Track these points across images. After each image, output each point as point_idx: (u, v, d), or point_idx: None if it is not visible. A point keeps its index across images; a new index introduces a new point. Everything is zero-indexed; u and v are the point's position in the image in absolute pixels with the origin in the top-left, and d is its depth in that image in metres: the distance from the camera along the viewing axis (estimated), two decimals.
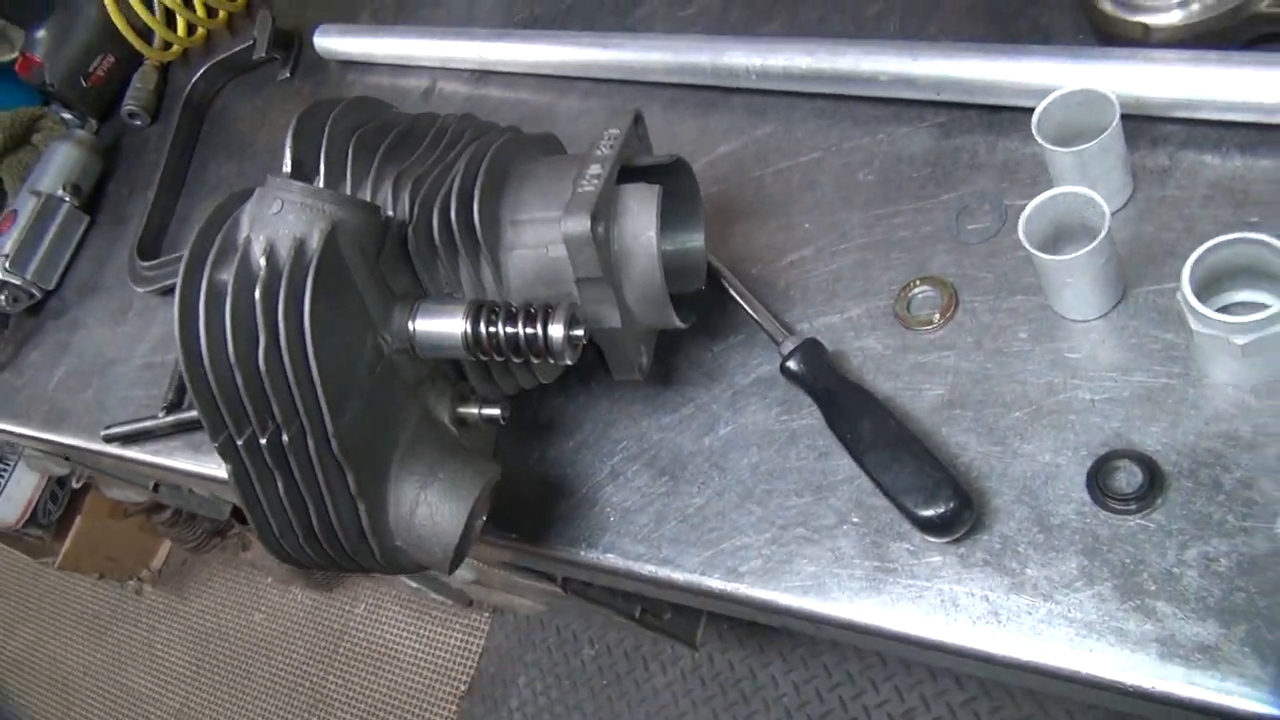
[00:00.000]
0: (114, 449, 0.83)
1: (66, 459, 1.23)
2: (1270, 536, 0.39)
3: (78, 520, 2.11)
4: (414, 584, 1.49)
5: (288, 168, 0.55)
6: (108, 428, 0.82)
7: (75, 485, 1.95)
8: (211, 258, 0.47)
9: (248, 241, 0.47)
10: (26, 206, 1.02)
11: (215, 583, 2.22)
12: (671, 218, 0.56)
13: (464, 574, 1.25)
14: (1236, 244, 0.41)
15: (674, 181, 0.54)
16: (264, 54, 0.96)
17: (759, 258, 0.59)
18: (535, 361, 0.50)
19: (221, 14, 1.07)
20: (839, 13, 0.65)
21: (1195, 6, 0.48)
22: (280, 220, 0.47)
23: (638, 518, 0.55)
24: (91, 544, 2.15)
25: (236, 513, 1.32)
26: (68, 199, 1.04)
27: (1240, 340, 0.40)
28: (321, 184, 0.54)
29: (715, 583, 0.51)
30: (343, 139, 0.55)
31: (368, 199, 0.54)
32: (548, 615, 1.65)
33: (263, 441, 0.47)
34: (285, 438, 0.47)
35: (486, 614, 1.76)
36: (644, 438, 0.57)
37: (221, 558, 2.20)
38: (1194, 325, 0.41)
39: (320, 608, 2.01)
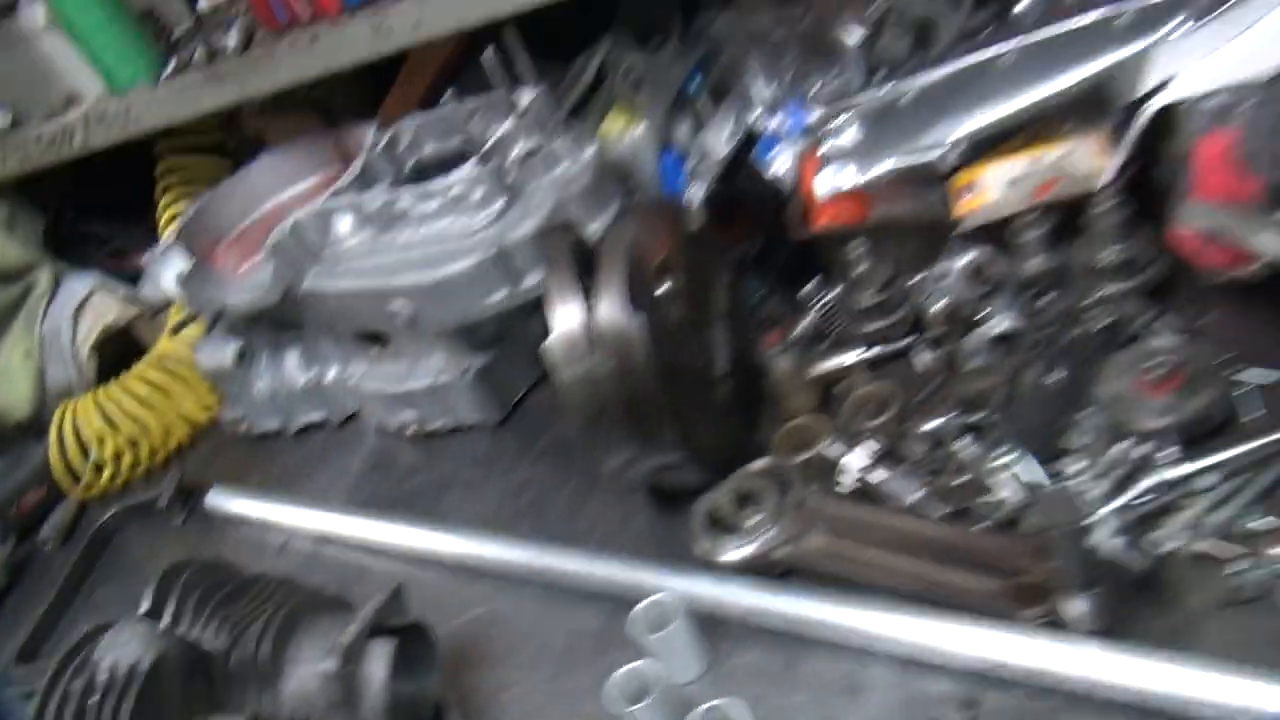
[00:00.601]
0: None
1: None
2: None
3: None
4: None
5: (145, 608, 0.78)
6: None
7: None
8: (70, 670, 0.69)
9: (99, 660, 0.70)
10: None
11: None
12: (413, 663, 0.79)
13: None
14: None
15: (419, 637, 0.79)
16: (165, 504, 1.22)
17: (482, 692, 0.82)
18: None
19: (142, 468, 1.35)
20: (563, 523, 0.94)
21: (746, 551, 0.78)
22: (125, 648, 0.70)
23: None
24: None
25: None
26: None
27: None
28: (166, 623, 0.77)
29: None
30: (188, 591, 0.79)
31: (198, 636, 0.77)
32: None
33: None
34: None
35: None
36: None
37: None
38: None
39: None
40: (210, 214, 1.24)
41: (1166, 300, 0.82)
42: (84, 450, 1.30)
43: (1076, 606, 0.63)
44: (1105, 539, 0.67)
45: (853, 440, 0.82)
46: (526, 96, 1.08)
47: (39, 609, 1.18)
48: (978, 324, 0.86)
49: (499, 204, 1.02)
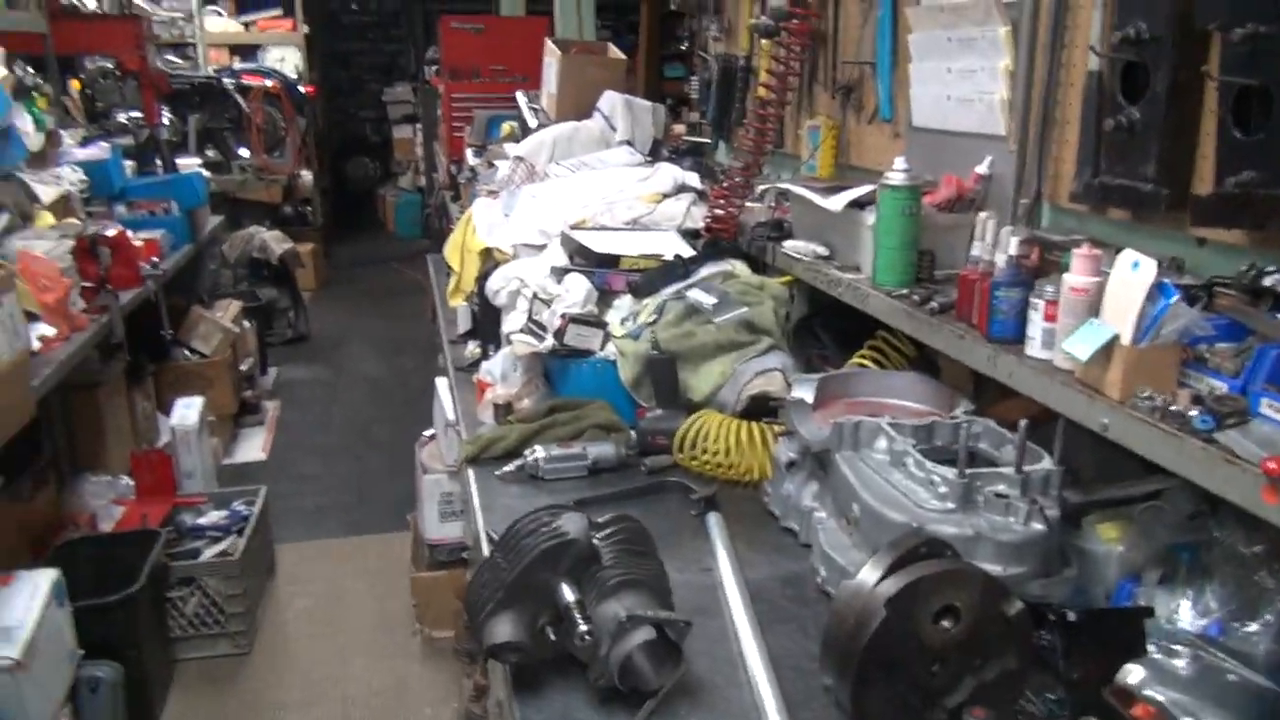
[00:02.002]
0: None
1: None
2: None
3: None
4: None
5: (599, 520, 1.41)
6: None
7: None
8: (539, 518, 1.34)
9: (551, 520, 1.33)
10: None
11: None
12: (662, 657, 1.29)
13: None
14: None
15: (676, 643, 1.28)
16: (699, 500, 1.86)
17: None
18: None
19: (723, 475, 2.01)
20: None
21: None
22: (568, 522, 1.33)
23: None
24: None
25: None
26: None
27: None
28: (595, 533, 1.38)
29: None
30: (621, 533, 1.39)
31: (600, 550, 1.36)
32: None
33: None
34: None
35: None
36: None
37: None
38: None
39: None
40: (846, 381, 1.81)
41: None
42: (703, 439, 2.00)
43: None
44: None
45: None
46: (1046, 465, 1.41)
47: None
48: None
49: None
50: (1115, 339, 1.31)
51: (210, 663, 3.31)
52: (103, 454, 3.85)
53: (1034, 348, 1.49)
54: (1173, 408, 1.22)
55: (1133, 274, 1.31)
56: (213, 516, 3.58)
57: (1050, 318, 1.45)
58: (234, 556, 3.35)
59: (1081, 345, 1.35)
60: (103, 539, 3.31)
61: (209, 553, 3.39)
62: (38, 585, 2.44)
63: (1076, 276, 1.40)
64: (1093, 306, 1.38)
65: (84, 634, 2.61)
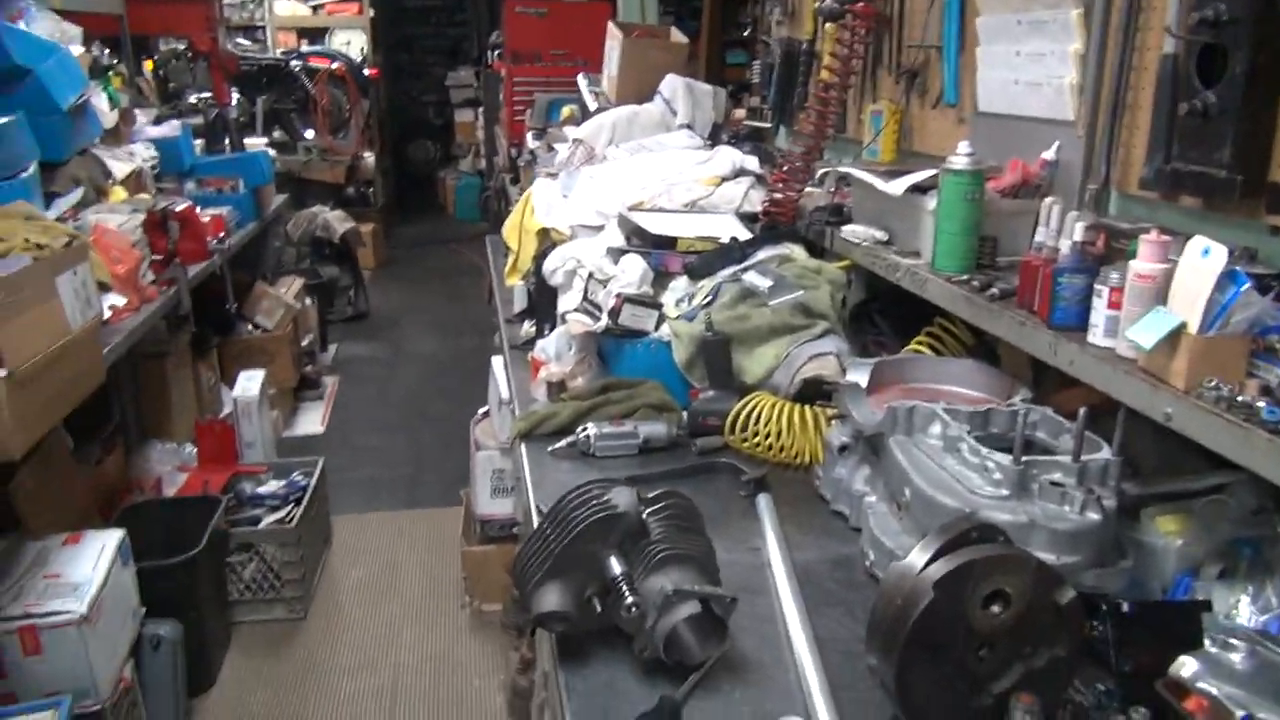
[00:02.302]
0: None
1: None
2: None
3: None
4: None
5: (647, 496, 1.41)
6: None
7: None
8: (589, 491, 1.35)
9: (602, 493, 1.34)
10: None
11: None
12: (708, 631, 1.30)
13: None
14: None
15: (721, 617, 1.29)
16: (748, 481, 1.86)
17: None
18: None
19: (773, 457, 2.00)
20: None
21: None
22: (618, 495, 1.33)
23: None
24: None
25: None
26: None
27: None
28: (643, 507, 1.39)
29: None
30: (669, 508, 1.39)
31: (649, 523, 1.37)
32: None
33: None
34: None
35: None
36: None
37: None
38: None
39: None
40: (901, 366, 1.79)
41: None
42: (755, 420, 1.99)
43: None
44: None
45: None
46: (1104, 455, 1.38)
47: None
48: None
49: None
50: (1182, 327, 1.28)
51: (266, 626, 3.39)
52: (168, 422, 3.96)
53: (1096, 335, 1.46)
54: (1240, 398, 1.19)
55: (1202, 261, 1.28)
56: (272, 486, 3.66)
57: (1114, 305, 1.42)
58: (291, 525, 3.43)
59: (1146, 333, 1.32)
60: (166, 504, 3.41)
61: (268, 520, 3.47)
62: (105, 545, 2.53)
63: (1143, 263, 1.37)
64: (1159, 294, 1.35)
65: (147, 594, 2.69)
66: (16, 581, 2.36)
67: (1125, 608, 1.22)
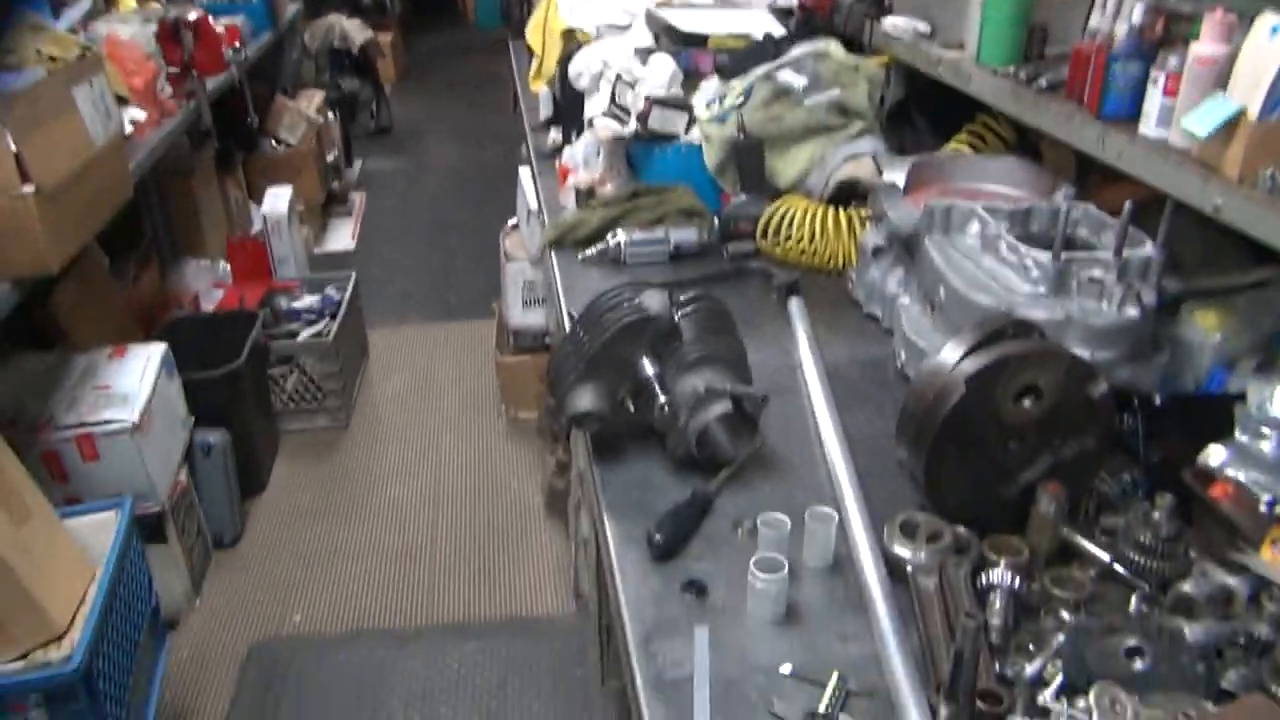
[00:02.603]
0: None
1: None
2: None
3: None
4: None
5: (679, 299, 1.41)
6: None
7: None
8: (622, 292, 1.35)
9: (633, 296, 1.34)
10: None
11: None
12: (739, 428, 1.32)
13: None
14: None
15: (753, 417, 1.31)
16: (778, 286, 1.85)
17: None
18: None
19: (805, 261, 1.98)
20: None
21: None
22: (650, 298, 1.33)
23: None
24: None
25: None
26: None
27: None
28: (675, 310, 1.39)
29: None
30: (702, 311, 1.39)
31: (680, 325, 1.37)
32: None
33: None
34: None
35: None
36: None
37: None
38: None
39: None
40: (940, 165, 1.73)
41: None
42: (787, 224, 1.96)
43: None
44: None
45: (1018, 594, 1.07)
46: (1147, 250, 1.35)
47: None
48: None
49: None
50: (1241, 114, 1.22)
51: (311, 435, 3.52)
52: (200, 240, 3.98)
53: (1148, 125, 1.40)
54: None
55: (1269, 41, 1.20)
56: (307, 300, 3.71)
57: (1170, 92, 1.35)
58: (328, 339, 3.49)
59: (1202, 121, 1.25)
60: (205, 319, 3.48)
61: (305, 334, 3.54)
62: (150, 357, 2.59)
63: (1205, 45, 1.29)
64: (1220, 79, 1.28)
65: (193, 405, 2.79)
66: (69, 393, 2.45)
67: (1156, 401, 1.22)
